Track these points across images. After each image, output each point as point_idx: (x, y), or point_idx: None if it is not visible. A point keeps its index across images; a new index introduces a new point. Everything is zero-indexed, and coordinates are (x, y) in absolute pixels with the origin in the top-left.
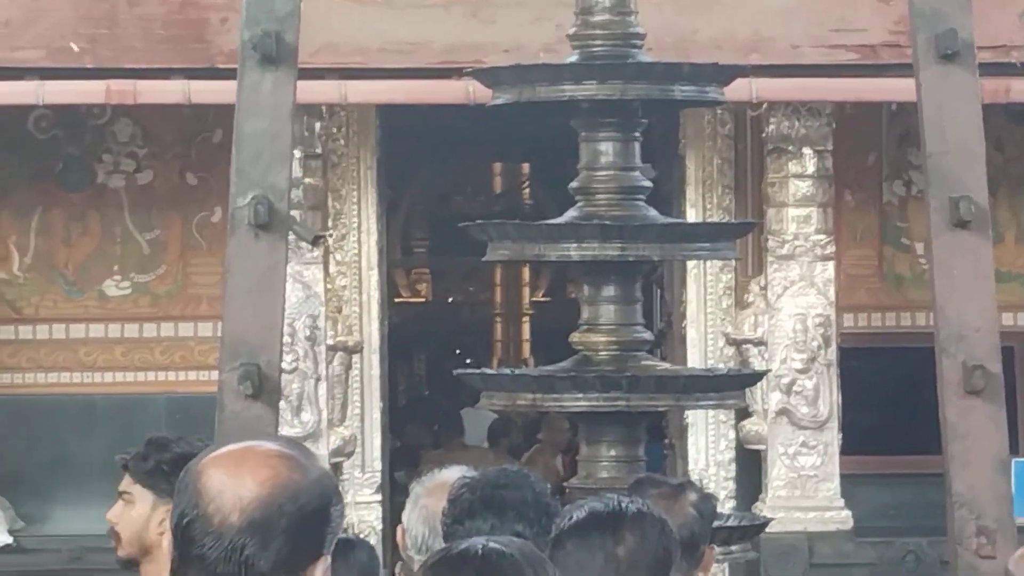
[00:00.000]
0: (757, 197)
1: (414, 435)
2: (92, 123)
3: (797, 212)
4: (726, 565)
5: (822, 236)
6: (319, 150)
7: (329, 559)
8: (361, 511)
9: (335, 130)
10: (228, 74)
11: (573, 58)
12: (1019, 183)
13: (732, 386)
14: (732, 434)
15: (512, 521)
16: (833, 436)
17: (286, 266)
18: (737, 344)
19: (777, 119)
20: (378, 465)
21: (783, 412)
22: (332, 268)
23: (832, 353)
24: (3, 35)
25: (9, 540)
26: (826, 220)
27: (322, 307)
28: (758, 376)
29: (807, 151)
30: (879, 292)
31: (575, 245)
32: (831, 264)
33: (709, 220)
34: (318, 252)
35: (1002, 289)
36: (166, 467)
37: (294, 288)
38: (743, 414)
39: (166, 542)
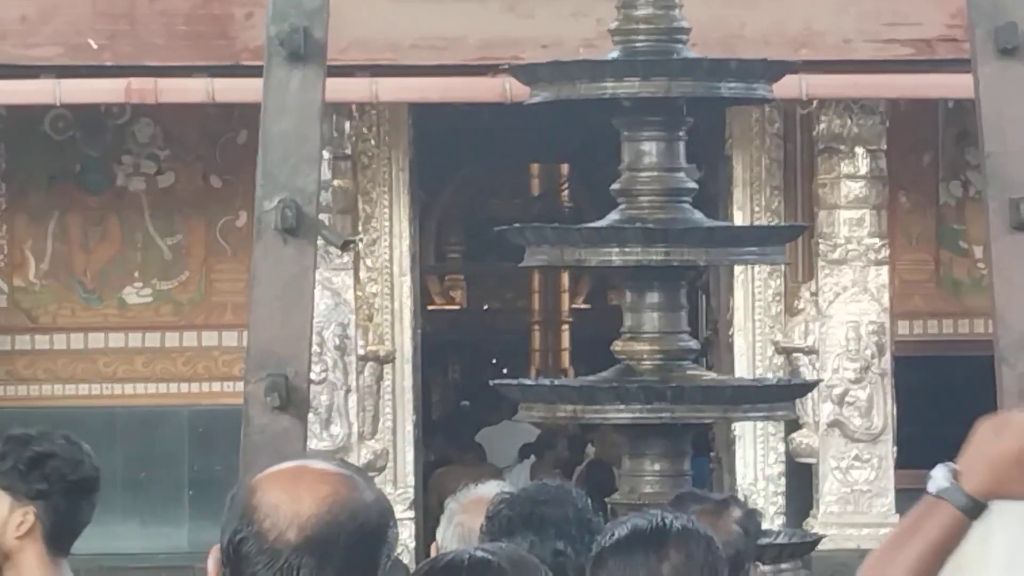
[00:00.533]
0: (807, 199)
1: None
2: (111, 123)
3: (849, 215)
4: None
5: (876, 240)
6: (349, 151)
7: None
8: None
9: (366, 130)
10: (254, 72)
11: (615, 54)
12: None
13: (781, 397)
14: (782, 447)
15: (553, 538)
16: (887, 449)
17: (315, 272)
18: (787, 353)
19: (828, 117)
20: (411, 480)
21: (835, 424)
22: (363, 274)
23: (886, 362)
24: (19, 32)
25: None
26: (880, 223)
27: (352, 315)
28: (809, 386)
29: (860, 151)
30: (935, 298)
31: (617, 249)
32: (885, 269)
33: (757, 223)
34: (348, 258)
35: None
36: (23, 467)
37: (323, 295)
38: (793, 426)
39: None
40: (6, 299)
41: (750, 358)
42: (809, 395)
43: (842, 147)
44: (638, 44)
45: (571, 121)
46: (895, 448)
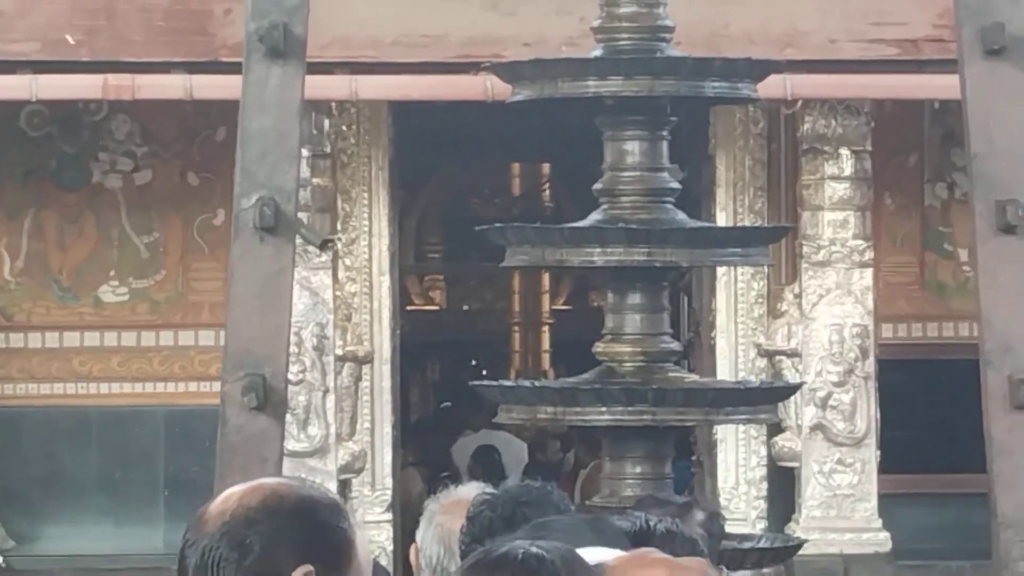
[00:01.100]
0: (791, 200)
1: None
2: (88, 119)
3: (833, 216)
4: None
5: (860, 241)
6: (328, 149)
7: (311, 569)
8: (371, 531)
9: (345, 128)
10: (232, 68)
11: (598, 52)
12: None
13: (764, 400)
14: (764, 451)
15: None
16: (871, 453)
17: (293, 272)
18: (769, 355)
19: (813, 117)
20: (389, 482)
21: (818, 428)
22: (341, 274)
23: (870, 365)
24: None
25: None
26: (864, 225)
27: (331, 315)
28: (792, 389)
29: (844, 151)
30: (920, 301)
31: (599, 250)
32: (869, 271)
33: (740, 224)
34: (327, 257)
35: None
36: None
37: (301, 295)
38: (775, 430)
39: None
40: None
41: (732, 360)
42: (792, 398)
43: (826, 148)
44: (621, 42)
45: (553, 120)
46: (878, 452)
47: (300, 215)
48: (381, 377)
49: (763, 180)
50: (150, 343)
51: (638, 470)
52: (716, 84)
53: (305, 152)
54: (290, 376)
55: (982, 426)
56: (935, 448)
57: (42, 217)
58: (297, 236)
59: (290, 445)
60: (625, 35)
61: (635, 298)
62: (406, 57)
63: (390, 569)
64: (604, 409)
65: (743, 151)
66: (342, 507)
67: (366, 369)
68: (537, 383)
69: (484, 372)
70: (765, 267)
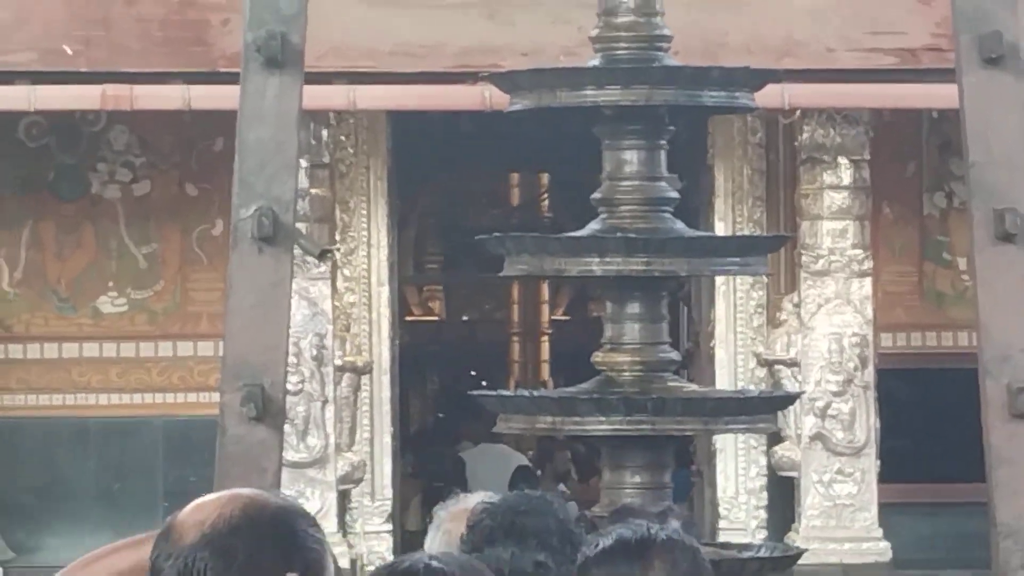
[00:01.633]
0: (790, 210)
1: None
2: (86, 130)
3: (832, 225)
4: None
5: (859, 251)
6: (326, 159)
7: None
8: (371, 541)
9: (343, 138)
10: (230, 78)
11: (595, 62)
12: None
13: (763, 409)
14: (763, 460)
15: (534, 549)
16: (870, 463)
17: (291, 282)
18: (769, 365)
19: (811, 127)
20: (388, 492)
21: (817, 437)
22: (340, 284)
23: (869, 375)
24: None
25: None
26: (863, 234)
27: (329, 325)
28: (791, 399)
29: (843, 161)
30: (919, 310)
31: (597, 260)
32: (868, 280)
33: (739, 234)
34: (325, 267)
35: None
36: None
37: (300, 305)
38: (775, 439)
39: None
40: None
41: (732, 370)
42: (791, 408)
43: (825, 157)
44: (619, 52)
45: (551, 130)
46: (878, 461)
47: (299, 225)
48: (380, 387)
49: (761, 190)
50: (149, 354)
51: (637, 480)
52: (714, 93)
53: (303, 162)
54: (289, 386)
55: (981, 435)
56: (934, 457)
57: (40, 228)
58: (296, 246)
59: (289, 456)
60: (623, 44)
61: (634, 308)
62: (404, 67)
63: None
64: (603, 419)
65: (741, 161)
66: (314, 518)
67: (365, 379)
68: (536, 393)
69: (483, 382)
70: (764, 277)
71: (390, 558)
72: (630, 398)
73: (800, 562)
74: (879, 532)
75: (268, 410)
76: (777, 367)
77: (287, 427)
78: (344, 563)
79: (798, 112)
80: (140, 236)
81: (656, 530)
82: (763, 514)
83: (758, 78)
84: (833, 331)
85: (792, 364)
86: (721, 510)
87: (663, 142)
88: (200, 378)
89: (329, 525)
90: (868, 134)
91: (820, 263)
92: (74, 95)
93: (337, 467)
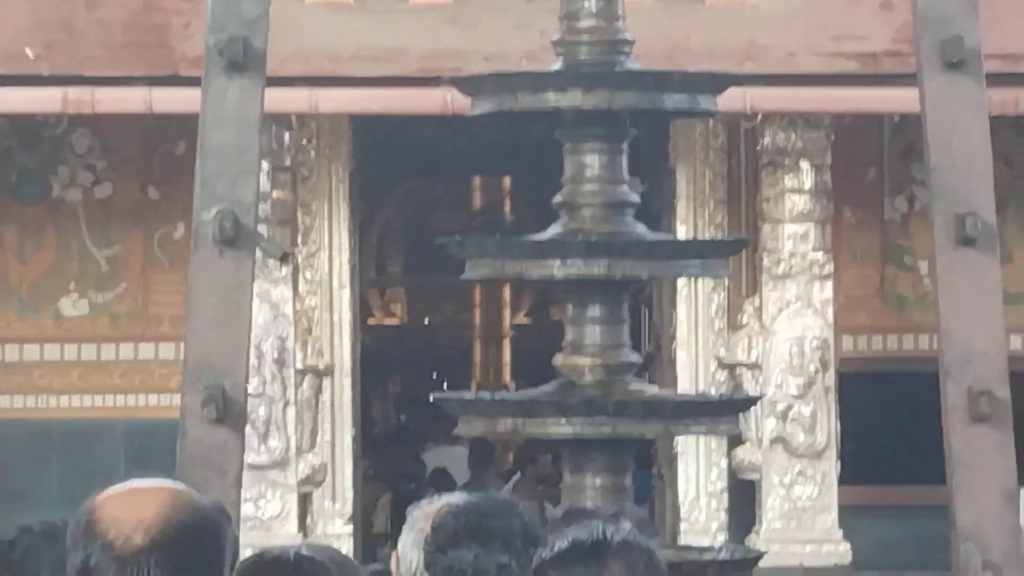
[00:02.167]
0: (751, 213)
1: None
2: (48, 133)
3: (794, 229)
4: None
5: (820, 254)
6: (288, 162)
7: None
8: (331, 543)
9: (305, 141)
10: (192, 82)
11: (557, 66)
12: None
13: (724, 412)
14: (724, 463)
15: (498, 551)
16: (831, 465)
17: (253, 285)
18: (730, 368)
19: (773, 131)
20: (349, 495)
21: (778, 440)
22: (301, 287)
23: (830, 378)
24: None
25: None
26: (824, 237)
27: (291, 328)
28: (752, 401)
29: (804, 165)
30: (880, 314)
31: (559, 263)
32: (829, 284)
33: (700, 237)
34: (287, 270)
35: (1010, 311)
36: None
37: (261, 308)
38: (736, 442)
39: None
40: None
41: (693, 373)
42: (752, 410)
43: (786, 161)
44: (581, 56)
45: (513, 133)
46: (839, 464)
47: (260, 228)
48: (342, 390)
49: (723, 193)
50: (110, 356)
51: (598, 482)
52: (676, 97)
53: (265, 165)
54: (250, 389)
55: (942, 438)
56: (895, 460)
57: (2, 231)
58: (257, 249)
59: (250, 458)
60: (585, 48)
61: (595, 310)
62: (366, 71)
63: None
64: (564, 421)
65: (703, 164)
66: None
67: (326, 382)
68: (497, 395)
69: (445, 385)
70: (725, 280)
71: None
72: (591, 400)
73: (760, 564)
74: (839, 534)
75: (229, 412)
76: (738, 370)
77: (248, 429)
78: None
79: (760, 116)
80: (102, 239)
81: (612, 532)
82: (724, 516)
83: (720, 82)
84: (794, 334)
85: (753, 367)
86: (682, 512)
87: (624, 146)
88: (161, 381)
89: (290, 527)
90: (829, 138)
91: (781, 266)
92: (35, 98)
93: (298, 469)
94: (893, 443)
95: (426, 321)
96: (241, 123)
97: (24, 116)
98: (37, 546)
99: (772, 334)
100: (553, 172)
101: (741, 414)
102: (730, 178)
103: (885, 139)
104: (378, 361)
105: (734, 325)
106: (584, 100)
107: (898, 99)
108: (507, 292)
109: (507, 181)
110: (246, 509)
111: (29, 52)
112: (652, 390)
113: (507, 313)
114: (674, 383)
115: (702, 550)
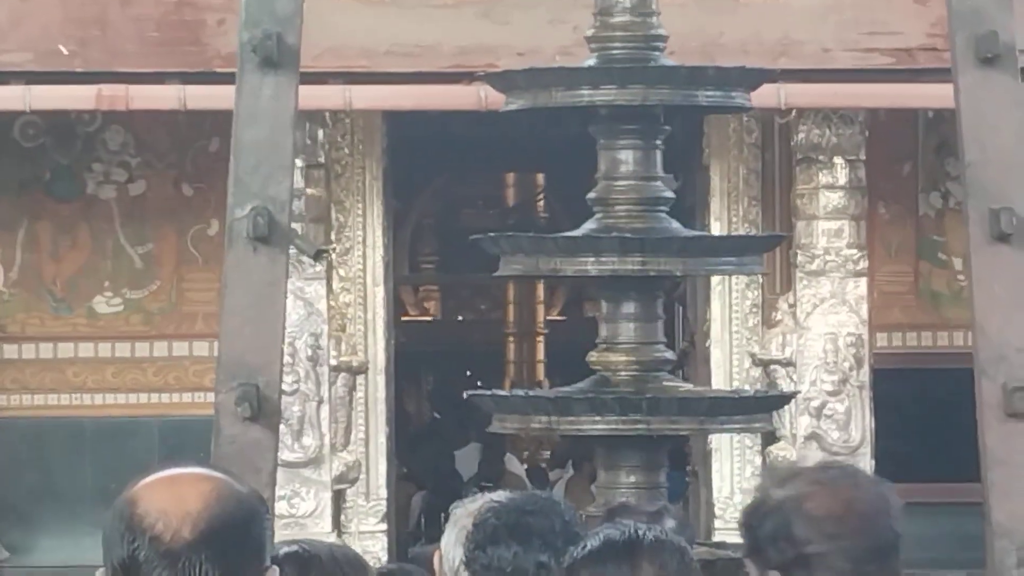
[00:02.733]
0: (785, 209)
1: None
2: (82, 130)
3: (828, 225)
4: None
5: (854, 251)
6: (322, 159)
7: (276, 570)
8: (365, 541)
9: (339, 138)
10: (226, 78)
11: (591, 61)
12: None
13: (759, 409)
14: (759, 460)
15: (537, 549)
16: (866, 463)
17: (287, 282)
18: (764, 365)
19: (807, 127)
20: (383, 492)
21: (813, 437)
22: (335, 284)
23: (865, 375)
24: None
25: None
26: (859, 234)
27: (325, 325)
28: (786, 399)
29: (839, 161)
30: (915, 310)
31: (593, 259)
32: (864, 280)
33: (734, 234)
34: (321, 267)
35: None
36: None
37: (295, 305)
38: (770, 439)
39: None
40: None
41: (727, 370)
42: (787, 408)
43: (821, 157)
44: (615, 51)
45: (547, 129)
46: (873, 461)
47: (294, 225)
48: (376, 387)
49: (757, 190)
50: (144, 354)
51: (632, 480)
52: (710, 93)
53: (299, 162)
54: (284, 387)
55: (976, 435)
56: (930, 457)
57: (36, 228)
58: (291, 246)
59: (284, 456)
60: (619, 44)
61: (629, 307)
62: (399, 67)
63: None
64: (598, 418)
65: (737, 161)
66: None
67: (360, 379)
68: (531, 392)
69: (479, 382)
70: (759, 277)
71: (384, 558)
72: (625, 398)
73: None
74: None
75: (263, 410)
76: (772, 367)
77: (282, 427)
78: None
79: (794, 112)
80: (136, 236)
81: (644, 531)
82: None
83: (754, 78)
84: (828, 331)
85: (787, 364)
86: (716, 510)
87: (658, 142)
88: (195, 378)
89: (324, 525)
90: (864, 134)
91: (815, 263)
92: (70, 95)
93: (332, 467)
94: (927, 440)
95: (460, 318)
96: (275, 120)
97: (58, 113)
98: None
99: (806, 331)
100: (587, 168)
101: (775, 411)
102: (764, 174)
103: (919, 135)
104: (412, 358)
105: (768, 322)
106: (618, 96)
107: (932, 95)
108: (541, 289)
109: (540, 177)
110: (280, 507)
111: (63, 49)
112: (686, 387)
113: (541, 310)
114: (708, 380)
115: (736, 548)
